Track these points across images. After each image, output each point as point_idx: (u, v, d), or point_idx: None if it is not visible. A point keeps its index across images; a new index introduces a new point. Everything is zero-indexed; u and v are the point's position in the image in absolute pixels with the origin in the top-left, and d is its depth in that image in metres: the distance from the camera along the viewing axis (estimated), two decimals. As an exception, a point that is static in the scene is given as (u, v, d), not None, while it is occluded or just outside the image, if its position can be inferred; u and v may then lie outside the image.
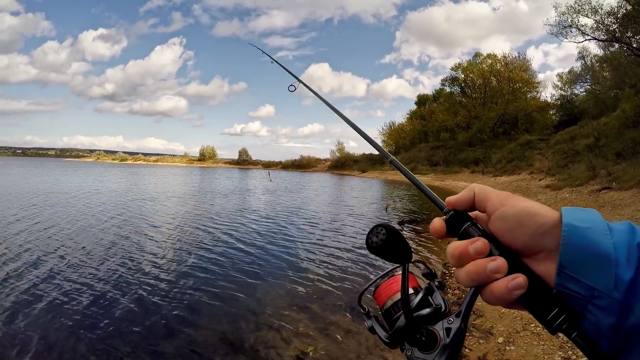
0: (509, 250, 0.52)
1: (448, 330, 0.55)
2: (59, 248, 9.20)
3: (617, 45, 26.35)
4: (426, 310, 0.60)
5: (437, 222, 0.58)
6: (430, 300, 0.62)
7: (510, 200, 0.53)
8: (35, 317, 5.41)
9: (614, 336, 0.44)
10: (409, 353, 0.58)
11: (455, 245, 0.54)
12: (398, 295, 0.63)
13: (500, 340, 4.36)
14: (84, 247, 9.38)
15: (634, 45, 23.78)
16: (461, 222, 0.57)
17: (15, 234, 10.47)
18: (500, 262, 0.50)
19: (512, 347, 4.15)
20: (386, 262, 0.57)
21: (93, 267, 7.79)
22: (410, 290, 0.63)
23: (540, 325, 4.54)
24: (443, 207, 0.60)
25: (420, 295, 0.63)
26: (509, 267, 0.49)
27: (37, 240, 9.87)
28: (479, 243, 0.52)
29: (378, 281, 0.69)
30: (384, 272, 0.70)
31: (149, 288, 6.70)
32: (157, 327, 5.22)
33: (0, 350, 4.50)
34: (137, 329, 5.13)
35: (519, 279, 0.49)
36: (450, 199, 0.60)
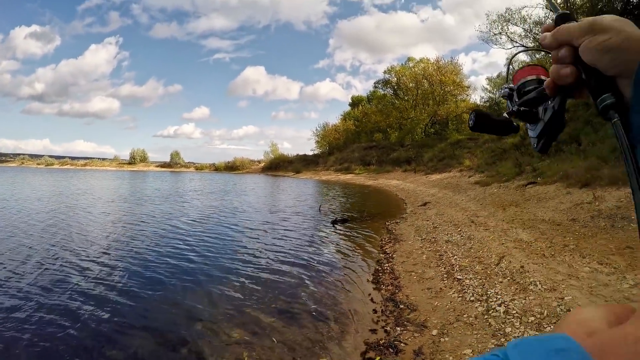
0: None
1: (545, 109, 0.71)
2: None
3: (543, 53, 27.92)
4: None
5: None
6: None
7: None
8: None
9: None
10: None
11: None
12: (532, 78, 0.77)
13: (435, 332, 4.35)
14: (15, 257, 8.67)
15: (559, 54, 25.73)
16: None
17: None
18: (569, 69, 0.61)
19: (447, 339, 4.14)
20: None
21: (25, 278, 7.20)
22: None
23: (472, 316, 4.59)
24: None
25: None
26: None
27: None
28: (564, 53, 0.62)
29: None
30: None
31: (82, 296, 6.30)
32: (91, 335, 4.87)
33: None
34: (71, 339, 4.76)
35: (567, 69, 0.61)
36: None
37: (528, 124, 0.74)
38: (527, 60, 37.37)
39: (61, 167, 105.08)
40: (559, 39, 0.62)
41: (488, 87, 49.81)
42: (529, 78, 0.76)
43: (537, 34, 25.67)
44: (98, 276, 7.37)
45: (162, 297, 6.29)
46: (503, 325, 4.19)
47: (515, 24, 26.59)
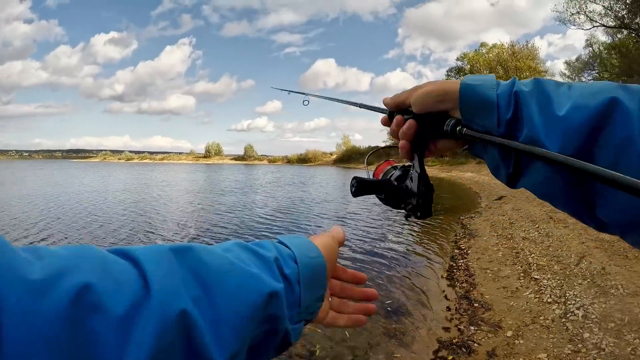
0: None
1: (411, 179, 0.78)
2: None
3: (625, 32, 26.10)
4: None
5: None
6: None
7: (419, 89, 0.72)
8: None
9: (507, 157, 0.62)
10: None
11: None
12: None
13: (509, 334, 4.32)
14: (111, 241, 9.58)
15: (643, 32, 23.75)
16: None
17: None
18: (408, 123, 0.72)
19: (522, 341, 4.11)
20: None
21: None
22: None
23: (549, 318, 4.51)
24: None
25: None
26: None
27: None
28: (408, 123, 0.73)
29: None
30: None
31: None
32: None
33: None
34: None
35: (408, 123, 0.72)
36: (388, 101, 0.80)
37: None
38: (608, 40, 34.75)
39: (140, 161, 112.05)
40: (397, 100, 0.75)
41: (566, 72, 45.34)
42: (387, 167, 0.86)
43: (618, 11, 23.69)
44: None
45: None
46: (581, 330, 4.09)
47: (594, 1, 24.80)
